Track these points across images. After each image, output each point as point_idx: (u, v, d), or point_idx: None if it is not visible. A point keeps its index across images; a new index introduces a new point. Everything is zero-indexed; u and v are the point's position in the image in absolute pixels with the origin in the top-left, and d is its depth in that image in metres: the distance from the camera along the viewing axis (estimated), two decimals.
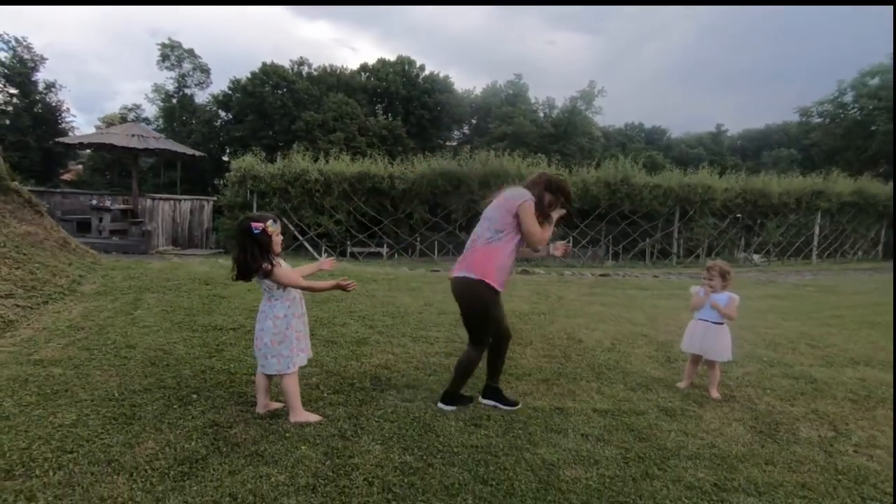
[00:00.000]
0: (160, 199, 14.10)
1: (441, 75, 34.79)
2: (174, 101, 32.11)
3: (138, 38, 57.69)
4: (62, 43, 54.93)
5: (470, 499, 2.17)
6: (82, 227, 12.53)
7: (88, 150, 25.54)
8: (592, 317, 5.98)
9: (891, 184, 17.11)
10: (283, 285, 2.73)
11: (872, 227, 16.79)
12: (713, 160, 29.54)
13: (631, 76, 75.47)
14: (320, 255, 12.34)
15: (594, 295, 7.58)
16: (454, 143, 35.10)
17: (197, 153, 15.60)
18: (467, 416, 2.99)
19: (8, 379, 3.17)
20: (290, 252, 12.08)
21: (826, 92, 24.16)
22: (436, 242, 13.44)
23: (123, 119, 29.07)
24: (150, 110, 33.23)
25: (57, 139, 16.98)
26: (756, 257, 15.10)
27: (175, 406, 2.90)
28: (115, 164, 28.40)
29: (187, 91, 32.77)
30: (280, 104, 29.64)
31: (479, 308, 2.93)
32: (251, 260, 2.64)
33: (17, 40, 26.44)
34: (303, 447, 2.50)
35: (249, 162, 12.50)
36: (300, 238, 12.49)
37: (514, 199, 2.90)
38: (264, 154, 13.69)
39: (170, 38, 31.69)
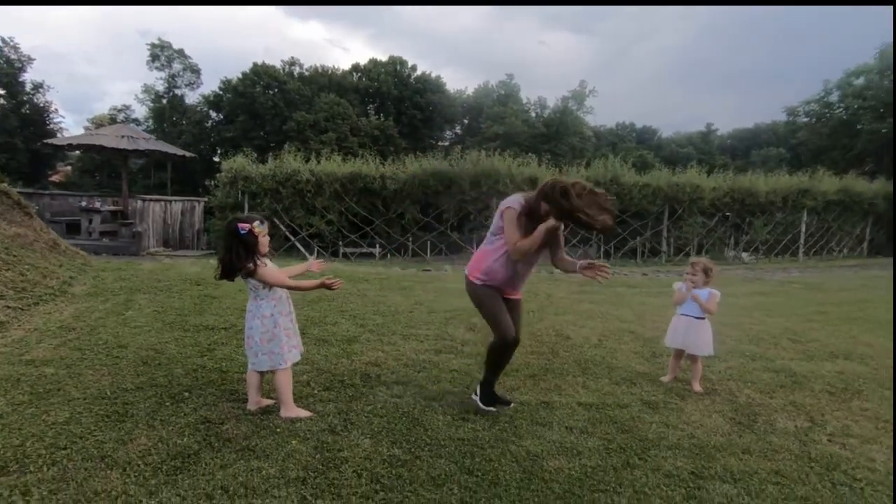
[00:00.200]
0: (151, 200, 14.04)
1: (433, 75, 34.92)
2: (164, 101, 31.90)
3: (128, 39, 57.20)
4: (50, 43, 54.40)
5: (455, 489, 2.24)
6: (72, 229, 12.47)
7: (77, 152, 25.34)
8: (581, 314, 6.08)
9: (876, 182, 17.43)
10: (269, 285, 2.79)
11: (857, 225, 17.09)
12: (703, 159, 29.87)
13: (622, 76, 75.98)
14: (312, 255, 12.36)
15: (583, 293, 7.68)
16: (446, 143, 35.20)
17: (187, 154, 15.56)
18: (455, 410, 3.06)
19: (0, 379, 3.20)
20: (282, 252, 12.09)
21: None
22: (428, 242, 13.51)
23: (113, 120, 28.81)
24: (140, 111, 33.03)
25: (45, 140, 16.84)
26: (745, 255, 15.31)
27: (167, 404, 2.95)
28: (104, 166, 28.18)
29: (177, 91, 32.58)
30: (271, 104, 29.57)
31: (475, 303, 3.07)
32: (236, 260, 2.70)
33: (3, 40, 26.21)
34: (293, 442, 2.55)
35: (240, 162, 12.49)
36: (292, 238, 12.50)
37: (503, 204, 2.94)
38: (255, 155, 13.70)
39: (159, 39, 31.54)
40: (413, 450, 2.55)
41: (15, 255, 5.80)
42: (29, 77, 27.63)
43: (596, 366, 4.08)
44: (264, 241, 2.80)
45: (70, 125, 59.86)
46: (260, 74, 30.37)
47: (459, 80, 53.54)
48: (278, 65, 32.28)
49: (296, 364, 3.03)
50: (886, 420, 3.22)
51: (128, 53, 61.79)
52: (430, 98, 33.76)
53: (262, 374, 2.93)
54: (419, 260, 12.98)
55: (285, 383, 2.86)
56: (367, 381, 3.50)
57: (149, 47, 31.23)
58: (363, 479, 2.27)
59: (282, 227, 12.25)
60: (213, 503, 2.06)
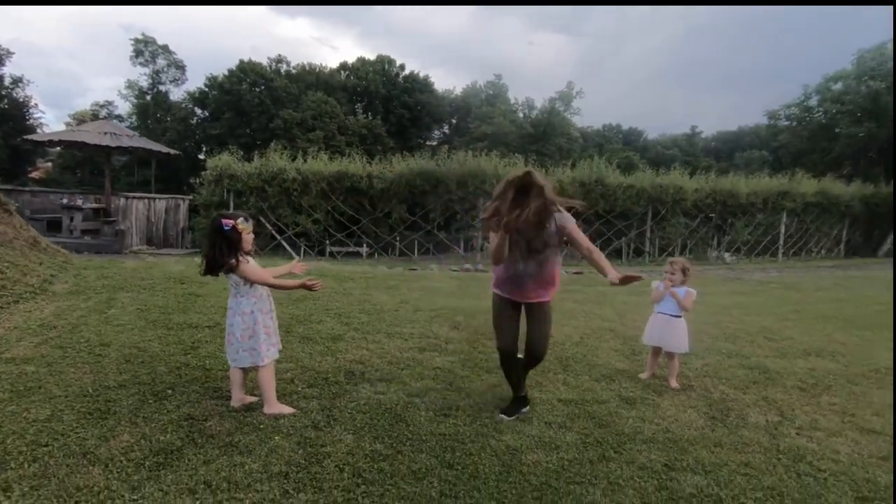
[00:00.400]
0: (134, 197, 13.88)
1: (421, 75, 34.94)
2: (148, 97, 31.47)
3: (111, 34, 56.25)
4: (30, 37, 53.23)
5: (436, 482, 2.29)
6: (53, 227, 12.24)
7: (58, 148, 24.83)
8: (564, 313, 6.16)
9: (852, 185, 17.88)
10: (250, 281, 2.83)
11: (835, 227, 17.53)
12: (688, 161, 30.33)
13: (610, 78, 76.69)
14: (299, 254, 12.32)
15: (567, 292, 7.77)
16: (434, 143, 35.23)
17: (172, 151, 15.37)
18: (438, 406, 3.12)
19: None
20: (268, 251, 12.04)
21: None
22: (415, 242, 13.54)
23: (95, 116, 28.40)
24: (124, 107, 32.53)
25: (25, 136, 16.52)
26: (727, 255, 15.60)
27: (150, 401, 2.96)
28: (86, 162, 27.69)
29: (162, 88, 32.17)
30: (258, 102, 29.34)
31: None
32: (219, 255, 2.74)
33: None
34: (276, 437, 2.59)
35: (226, 160, 12.38)
36: (278, 237, 12.45)
37: None
38: (241, 152, 13.59)
39: (143, 34, 31.10)
40: (395, 445, 2.60)
41: None
42: (7, 71, 27.02)
43: (577, 363, 4.17)
44: (248, 239, 2.83)
45: (51, 121, 58.53)
46: (246, 71, 30.12)
47: (448, 80, 53.92)
48: (265, 62, 32.06)
49: (277, 362, 3.06)
50: (852, 414, 3.35)
51: (111, 48, 60.71)
52: (419, 97, 33.80)
53: (245, 371, 2.96)
54: (406, 259, 13.00)
55: (268, 380, 2.89)
56: (350, 378, 3.54)
57: (132, 42, 30.84)
58: (345, 474, 2.31)
59: (268, 225, 12.19)
60: (196, 498, 2.08)
